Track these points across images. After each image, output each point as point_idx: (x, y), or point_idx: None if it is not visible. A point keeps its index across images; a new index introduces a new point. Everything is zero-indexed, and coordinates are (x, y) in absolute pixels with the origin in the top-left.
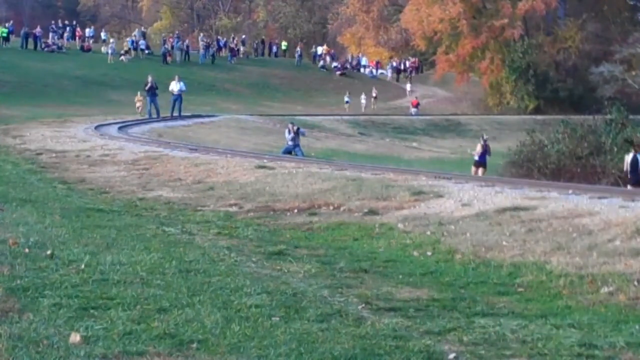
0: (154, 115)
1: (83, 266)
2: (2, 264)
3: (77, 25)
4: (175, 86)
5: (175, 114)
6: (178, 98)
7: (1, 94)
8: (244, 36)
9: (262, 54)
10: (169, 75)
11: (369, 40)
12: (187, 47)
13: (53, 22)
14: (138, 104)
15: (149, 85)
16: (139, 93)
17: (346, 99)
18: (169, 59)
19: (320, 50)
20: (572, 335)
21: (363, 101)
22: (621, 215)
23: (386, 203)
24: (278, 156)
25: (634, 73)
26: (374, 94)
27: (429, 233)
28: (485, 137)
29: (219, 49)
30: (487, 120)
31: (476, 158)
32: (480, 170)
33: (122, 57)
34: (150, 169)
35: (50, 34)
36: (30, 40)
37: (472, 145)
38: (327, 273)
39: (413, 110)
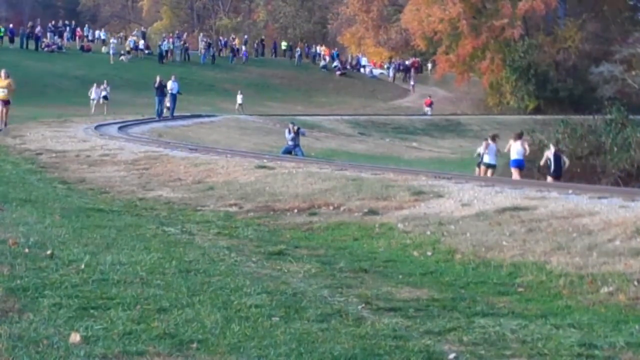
0: (167, 115)
1: (83, 266)
2: (2, 264)
3: (78, 25)
4: (170, 86)
5: (166, 115)
6: (172, 97)
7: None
8: (245, 36)
9: (262, 54)
10: (167, 75)
11: (369, 40)
12: (187, 47)
13: (53, 22)
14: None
15: (157, 84)
16: (2, 71)
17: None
18: (169, 57)
19: (315, 49)
20: (572, 335)
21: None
22: (621, 215)
23: (386, 203)
24: (278, 156)
25: (634, 73)
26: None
27: (429, 233)
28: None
29: (220, 49)
30: (487, 120)
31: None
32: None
33: (123, 57)
34: (150, 169)
35: (49, 34)
36: (31, 40)
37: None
38: (327, 273)
39: (427, 109)
